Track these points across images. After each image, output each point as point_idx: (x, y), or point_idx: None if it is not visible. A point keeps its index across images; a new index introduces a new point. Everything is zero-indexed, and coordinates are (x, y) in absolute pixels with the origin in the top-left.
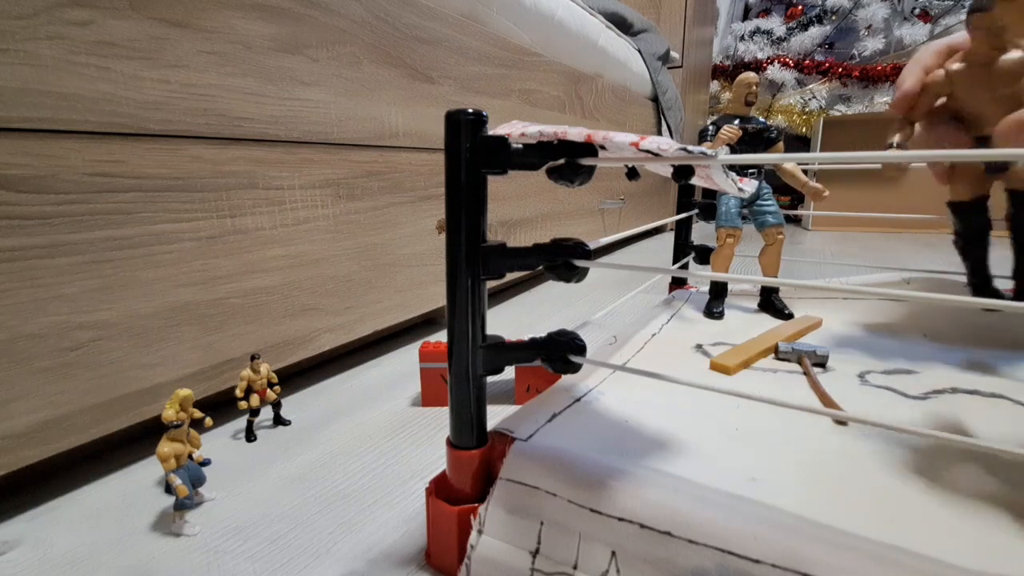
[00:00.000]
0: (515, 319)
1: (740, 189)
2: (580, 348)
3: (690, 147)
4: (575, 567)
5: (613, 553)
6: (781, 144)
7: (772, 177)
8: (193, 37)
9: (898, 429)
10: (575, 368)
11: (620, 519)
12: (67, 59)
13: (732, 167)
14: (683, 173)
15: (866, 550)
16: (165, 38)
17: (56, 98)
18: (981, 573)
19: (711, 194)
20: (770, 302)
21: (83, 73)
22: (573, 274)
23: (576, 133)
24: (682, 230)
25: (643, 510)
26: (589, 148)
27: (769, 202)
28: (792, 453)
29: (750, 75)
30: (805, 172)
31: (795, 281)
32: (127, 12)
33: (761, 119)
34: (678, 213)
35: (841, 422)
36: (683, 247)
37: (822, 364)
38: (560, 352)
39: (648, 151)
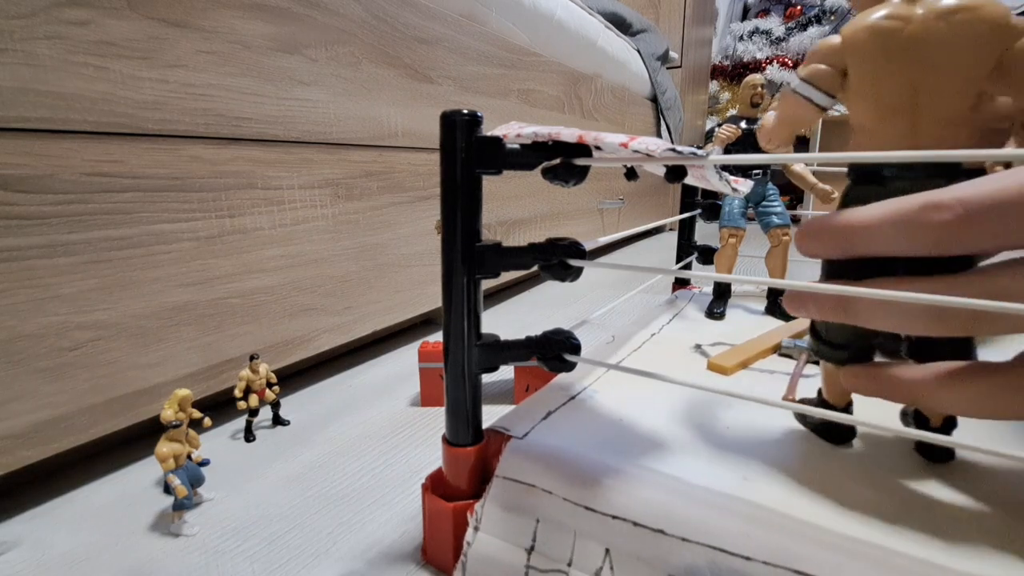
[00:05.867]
0: (515, 319)
1: (734, 189)
2: (575, 347)
3: (679, 147)
4: (570, 564)
5: (607, 550)
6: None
7: (777, 177)
8: (192, 37)
9: (892, 431)
10: (570, 367)
11: (614, 517)
12: (65, 59)
13: (733, 168)
14: (676, 174)
15: (856, 549)
16: (163, 38)
17: (54, 98)
18: (970, 574)
19: (713, 195)
20: (776, 305)
21: (81, 73)
22: (568, 273)
23: (568, 134)
24: (685, 230)
25: (636, 508)
26: (583, 149)
27: (775, 203)
28: (784, 453)
29: (756, 77)
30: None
31: (796, 283)
32: (125, 12)
33: None
34: (682, 213)
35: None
36: (686, 247)
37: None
38: (555, 351)
39: (638, 151)
